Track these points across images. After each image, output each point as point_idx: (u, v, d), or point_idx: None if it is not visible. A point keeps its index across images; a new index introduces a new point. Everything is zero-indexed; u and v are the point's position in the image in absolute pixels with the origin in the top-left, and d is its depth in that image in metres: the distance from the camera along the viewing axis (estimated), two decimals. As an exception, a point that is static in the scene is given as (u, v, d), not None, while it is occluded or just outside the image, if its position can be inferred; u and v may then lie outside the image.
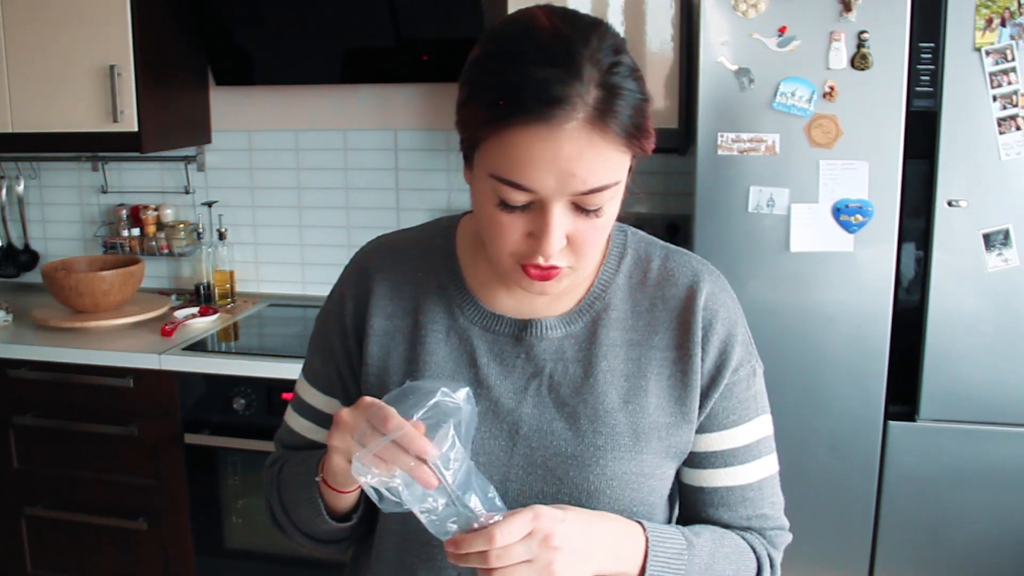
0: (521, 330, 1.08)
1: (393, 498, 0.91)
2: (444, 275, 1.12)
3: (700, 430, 1.09)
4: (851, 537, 2.37)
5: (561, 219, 0.94)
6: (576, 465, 1.03)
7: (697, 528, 1.09)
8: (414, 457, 0.89)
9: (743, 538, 1.10)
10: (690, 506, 1.13)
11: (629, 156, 0.96)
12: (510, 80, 0.90)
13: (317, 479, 1.03)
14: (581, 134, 0.90)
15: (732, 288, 1.14)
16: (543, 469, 1.04)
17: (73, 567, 2.86)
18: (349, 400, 1.14)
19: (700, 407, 1.08)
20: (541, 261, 0.96)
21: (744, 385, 1.09)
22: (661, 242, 1.15)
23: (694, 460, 1.10)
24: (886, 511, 2.34)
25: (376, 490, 0.91)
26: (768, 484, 1.12)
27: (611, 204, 0.97)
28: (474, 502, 0.91)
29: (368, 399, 0.94)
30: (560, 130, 0.89)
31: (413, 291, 1.13)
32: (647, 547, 1.00)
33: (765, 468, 1.12)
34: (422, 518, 0.92)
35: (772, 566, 1.12)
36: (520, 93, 0.89)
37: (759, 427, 1.11)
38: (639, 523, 1.02)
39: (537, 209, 0.94)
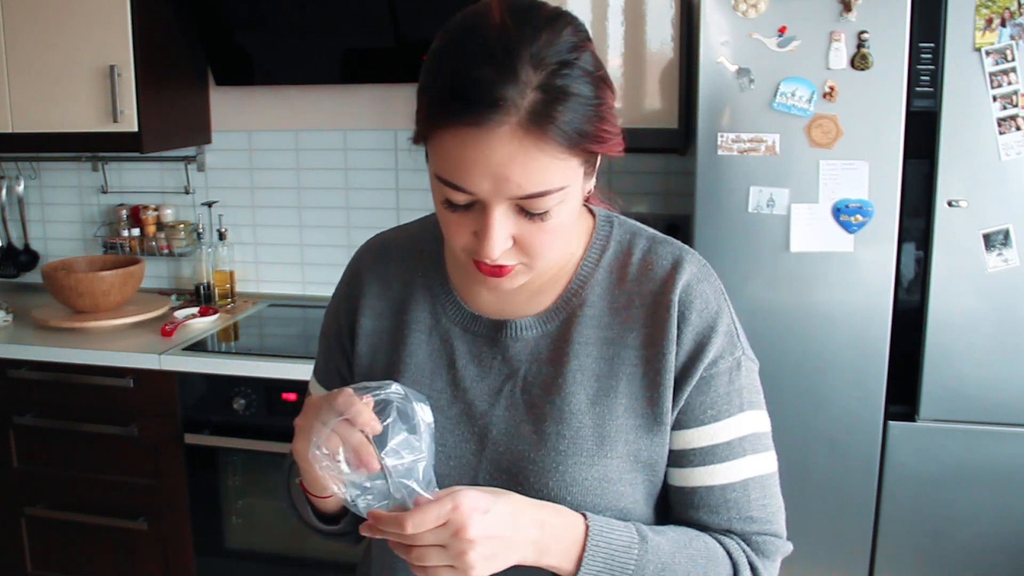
0: (497, 331, 1.07)
1: (349, 492, 0.94)
2: (430, 274, 1.12)
3: (677, 426, 1.04)
4: (851, 537, 2.37)
5: (503, 221, 0.92)
6: (536, 471, 1.02)
7: (663, 527, 1.04)
8: (359, 431, 0.92)
9: (719, 541, 1.03)
10: (674, 508, 1.08)
11: (576, 161, 0.92)
12: (448, 79, 0.89)
13: (296, 481, 1.06)
14: (513, 139, 0.86)
15: (730, 287, 1.10)
16: (508, 474, 1.03)
17: (73, 567, 2.86)
18: None
19: (674, 402, 1.03)
20: (488, 261, 0.95)
21: (724, 379, 1.04)
22: (649, 231, 1.11)
23: (673, 458, 1.06)
24: (886, 511, 2.34)
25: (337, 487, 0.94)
26: (756, 485, 1.05)
27: (560, 208, 0.93)
28: (411, 489, 0.93)
29: (338, 389, 0.97)
30: (491, 133, 0.86)
31: (401, 291, 1.13)
32: (586, 536, 0.96)
33: (752, 468, 1.05)
34: (360, 504, 0.94)
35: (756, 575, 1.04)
36: (455, 94, 0.87)
37: (744, 423, 1.05)
38: (583, 514, 0.98)
39: (480, 209, 0.92)
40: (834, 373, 2.29)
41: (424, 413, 0.97)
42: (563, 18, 0.92)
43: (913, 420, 2.31)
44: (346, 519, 1.12)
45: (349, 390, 0.95)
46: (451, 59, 0.90)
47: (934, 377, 2.28)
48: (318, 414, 0.95)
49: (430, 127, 0.90)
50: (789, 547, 1.09)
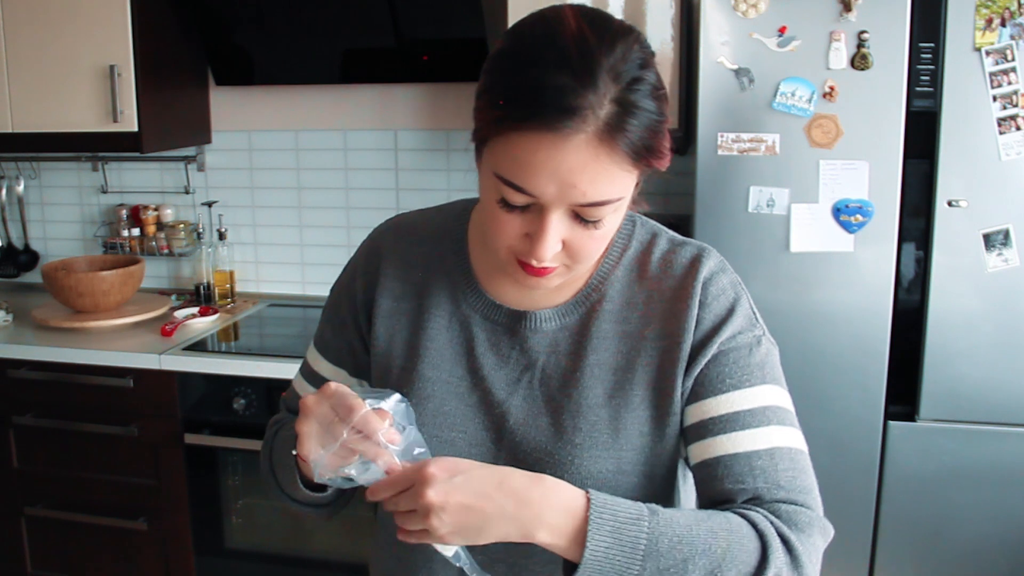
0: (517, 321, 1.09)
1: (351, 483, 0.96)
2: (452, 260, 1.13)
3: (694, 398, 1.03)
4: (851, 537, 2.37)
5: (558, 225, 0.94)
6: (552, 463, 1.03)
7: (681, 507, 1.04)
8: (376, 443, 0.91)
9: (740, 513, 0.96)
10: (700, 490, 1.04)
11: (636, 173, 0.94)
12: (525, 83, 0.89)
13: (294, 453, 1.04)
14: (588, 148, 0.89)
15: None
16: (525, 464, 1.04)
17: (73, 567, 2.86)
18: (358, 370, 1.18)
19: (687, 377, 1.04)
20: (534, 262, 0.97)
21: (744, 352, 1.04)
22: (669, 232, 1.13)
23: (694, 432, 1.03)
24: (886, 511, 2.34)
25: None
26: (784, 455, 1.00)
27: (612, 216, 0.96)
28: None
29: (333, 385, 0.96)
30: (567, 141, 0.88)
31: (422, 274, 1.14)
32: (587, 512, 0.90)
33: (778, 437, 1.01)
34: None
35: (789, 548, 0.94)
36: (532, 98, 0.88)
37: (765, 394, 1.03)
38: (586, 491, 0.92)
39: (536, 212, 0.94)
40: (834, 373, 2.29)
41: (395, 404, 0.97)
42: (632, 33, 0.94)
43: (913, 420, 2.31)
44: (332, 489, 1.12)
45: (356, 398, 0.94)
46: (527, 63, 0.90)
47: (934, 377, 2.28)
48: (324, 424, 0.94)
49: (499, 128, 0.91)
50: (829, 526, 1.00)
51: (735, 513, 0.96)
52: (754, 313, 1.08)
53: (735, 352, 1.04)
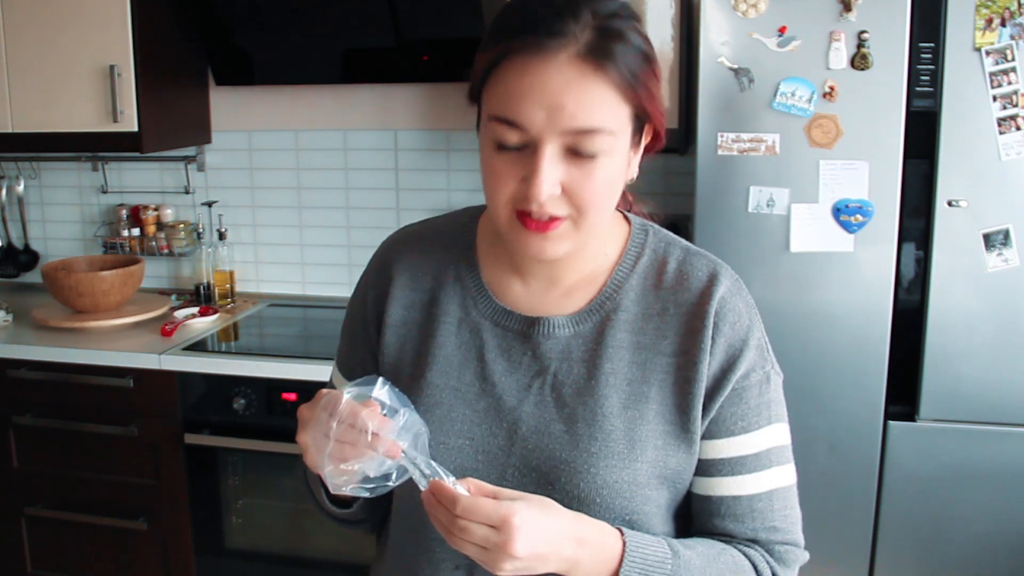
0: (529, 327, 1.08)
1: (369, 486, 0.96)
2: (462, 267, 1.13)
3: (707, 436, 1.07)
4: (851, 537, 2.37)
5: (553, 162, 0.94)
6: (567, 471, 1.03)
7: (692, 541, 1.06)
8: (371, 432, 0.93)
9: (744, 554, 1.06)
10: (698, 516, 1.10)
11: (627, 112, 0.96)
12: (512, 18, 0.95)
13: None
14: (572, 67, 0.92)
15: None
16: (537, 472, 1.04)
17: (73, 567, 2.86)
18: None
19: (705, 412, 1.05)
20: (535, 207, 0.96)
21: (755, 391, 1.07)
22: (683, 243, 1.13)
23: (701, 467, 1.08)
24: (886, 511, 2.34)
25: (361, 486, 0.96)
26: (780, 496, 1.09)
27: (607, 161, 0.96)
28: (432, 466, 0.96)
29: (323, 391, 0.98)
30: (550, 60, 0.92)
31: (431, 282, 1.14)
32: (623, 553, 0.98)
33: (777, 479, 1.08)
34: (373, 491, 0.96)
35: None
36: (517, 27, 0.94)
37: (771, 435, 1.08)
38: (619, 529, 1.00)
39: (530, 153, 0.95)
40: (834, 373, 2.29)
41: (379, 390, 0.97)
42: None
43: (913, 420, 2.31)
44: (358, 504, 1.13)
45: (353, 402, 0.95)
46: (516, 8, 0.97)
47: (934, 377, 2.28)
48: (320, 429, 0.95)
49: (489, 68, 0.95)
50: (807, 556, 1.12)
51: (738, 550, 1.06)
52: (764, 341, 1.10)
53: (747, 392, 1.07)
